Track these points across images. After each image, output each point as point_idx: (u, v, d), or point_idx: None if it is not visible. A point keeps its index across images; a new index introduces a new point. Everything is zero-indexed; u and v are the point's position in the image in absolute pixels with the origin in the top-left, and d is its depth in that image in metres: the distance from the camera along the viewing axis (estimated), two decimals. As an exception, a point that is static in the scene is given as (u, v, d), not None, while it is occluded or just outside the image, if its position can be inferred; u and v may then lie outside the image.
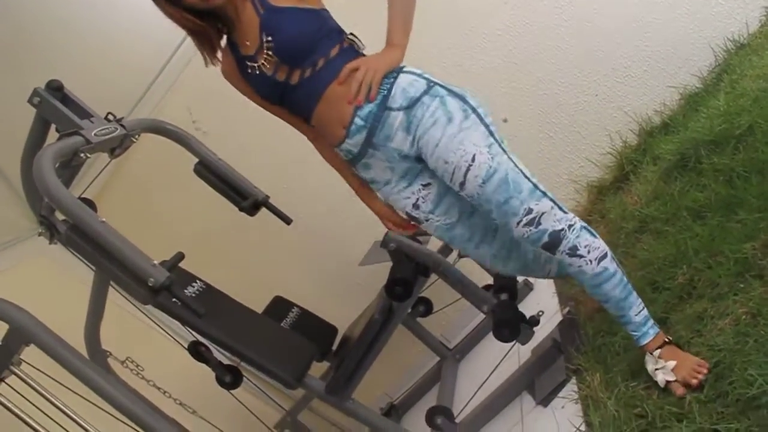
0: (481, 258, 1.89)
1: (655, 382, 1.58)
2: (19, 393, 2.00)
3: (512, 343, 2.31)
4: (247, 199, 2.24)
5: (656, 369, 1.59)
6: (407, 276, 1.99)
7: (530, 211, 1.62)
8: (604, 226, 2.74)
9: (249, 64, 1.70)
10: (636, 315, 1.66)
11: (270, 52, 1.66)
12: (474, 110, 1.65)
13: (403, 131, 1.67)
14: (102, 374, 1.94)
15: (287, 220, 2.31)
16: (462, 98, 1.66)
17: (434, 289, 2.83)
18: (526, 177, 1.64)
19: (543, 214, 1.63)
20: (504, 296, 2.18)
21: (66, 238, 2.08)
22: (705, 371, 1.50)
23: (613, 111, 3.18)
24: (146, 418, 1.90)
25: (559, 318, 2.29)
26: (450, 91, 1.66)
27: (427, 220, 1.78)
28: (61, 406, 1.97)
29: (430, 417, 2.18)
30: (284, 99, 1.74)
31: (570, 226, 1.65)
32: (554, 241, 1.64)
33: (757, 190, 1.91)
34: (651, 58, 3.12)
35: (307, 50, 1.65)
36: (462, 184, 1.64)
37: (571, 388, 1.90)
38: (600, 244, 1.67)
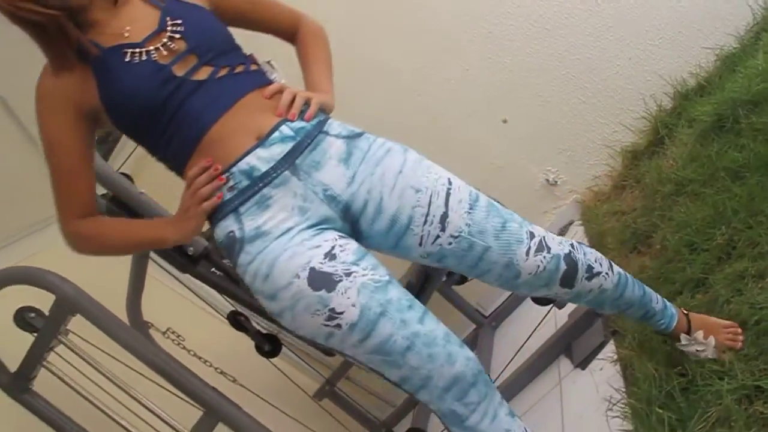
0: (429, 339, 1.21)
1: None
2: (67, 362, 2.07)
3: (549, 308, 2.31)
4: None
5: (698, 350, 1.51)
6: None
7: (532, 234, 1.33)
8: (639, 191, 2.72)
9: (129, 50, 1.27)
10: (656, 303, 1.53)
11: (177, 35, 1.29)
12: None
13: (340, 163, 1.27)
14: (145, 342, 1.99)
15: None
16: None
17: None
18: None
19: (544, 237, 1.35)
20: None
21: (107, 209, 2.13)
22: (739, 331, 1.47)
23: (647, 74, 3.12)
24: (188, 383, 1.94)
25: (595, 282, 2.27)
26: None
27: (347, 275, 1.18)
28: (108, 374, 2.04)
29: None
30: (169, 105, 1.27)
31: (572, 245, 1.40)
32: (571, 267, 1.36)
33: (798, 148, 1.88)
34: (685, 18, 3.06)
35: (226, 47, 1.35)
36: (444, 218, 1.27)
37: (609, 350, 1.90)
38: (598, 252, 1.47)
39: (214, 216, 1.28)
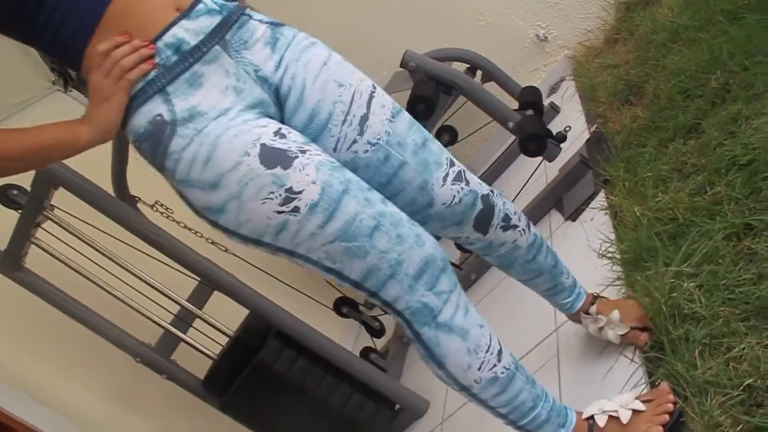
0: (395, 219, 1.12)
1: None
2: (56, 237, 2.06)
3: (539, 163, 2.29)
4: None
5: (601, 328, 1.40)
6: (429, 93, 1.93)
7: (453, 163, 1.24)
8: (633, 43, 2.63)
9: None
10: (566, 279, 1.42)
11: None
12: None
13: (266, 46, 1.15)
14: (131, 210, 1.97)
15: None
16: None
17: (458, 118, 2.79)
18: None
19: (464, 170, 1.27)
20: (529, 112, 2.12)
21: (78, 81, 2.05)
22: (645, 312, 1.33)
23: None
24: (182, 253, 1.94)
25: (586, 137, 2.24)
26: None
27: (302, 152, 1.07)
28: (98, 247, 2.03)
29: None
30: None
31: (491, 190, 1.31)
32: (488, 208, 1.27)
33: (800, -17, 1.79)
34: None
35: None
36: (364, 120, 1.16)
37: (599, 201, 1.89)
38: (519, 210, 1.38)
39: (132, 104, 1.07)
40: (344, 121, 1.16)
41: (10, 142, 1.05)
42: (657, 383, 1.20)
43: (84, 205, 1.91)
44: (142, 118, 1.07)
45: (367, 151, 1.18)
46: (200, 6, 1.12)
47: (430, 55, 2.33)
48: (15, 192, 1.97)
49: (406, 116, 1.23)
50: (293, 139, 1.09)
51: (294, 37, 1.18)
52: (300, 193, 1.04)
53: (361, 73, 1.22)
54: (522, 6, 3.00)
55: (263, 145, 1.04)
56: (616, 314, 1.36)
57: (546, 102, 2.64)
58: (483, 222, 1.29)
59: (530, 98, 2.21)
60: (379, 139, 1.18)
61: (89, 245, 2.04)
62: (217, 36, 1.10)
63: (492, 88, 2.59)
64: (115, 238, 2.10)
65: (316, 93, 1.15)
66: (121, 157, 2.39)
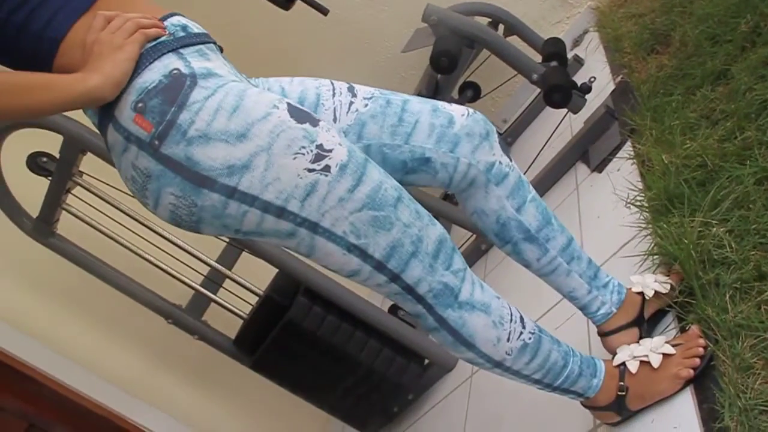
0: (410, 194, 1.12)
1: None
2: (86, 203, 2.09)
3: (564, 115, 2.27)
4: (279, -9, 2.14)
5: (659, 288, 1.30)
6: (451, 47, 1.91)
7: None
8: (658, -9, 2.57)
9: None
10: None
11: None
12: None
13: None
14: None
15: (324, 11, 2.21)
16: None
17: (480, 73, 2.76)
18: None
19: None
20: (554, 64, 2.10)
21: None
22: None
23: None
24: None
25: (612, 88, 2.21)
26: None
27: (320, 120, 1.03)
28: (128, 211, 2.06)
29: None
30: None
31: None
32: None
33: None
34: None
35: None
36: (351, 88, 1.20)
37: (626, 151, 1.87)
38: None
39: (141, 61, 0.99)
40: (334, 94, 1.17)
41: (7, 80, 0.93)
42: (687, 328, 1.20)
43: (111, 171, 1.94)
44: (153, 74, 0.98)
45: (366, 104, 1.17)
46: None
47: (452, 9, 2.30)
48: (45, 159, 2.00)
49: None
50: (310, 110, 1.10)
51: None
52: (330, 151, 0.99)
53: None
54: (544, -43, 2.94)
55: (289, 104, 1.01)
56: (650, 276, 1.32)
57: (569, 55, 2.59)
58: (503, 145, 1.28)
59: (554, 49, 2.17)
60: (373, 93, 1.19)
61: (119, 210, 2.07)
62: (212, 39, 1.10)
63: (514, 42, 2.56)
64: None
65: (296, 88, 1.16)
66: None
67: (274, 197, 0.98)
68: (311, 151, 0.98)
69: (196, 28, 1.08)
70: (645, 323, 1.32)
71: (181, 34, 1.04)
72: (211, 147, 0.96)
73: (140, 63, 0.98)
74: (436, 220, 1.12)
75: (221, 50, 1.14)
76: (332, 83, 1.19)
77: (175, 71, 0.98)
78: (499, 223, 1.28)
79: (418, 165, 1.19)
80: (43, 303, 2.49)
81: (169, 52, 1.00)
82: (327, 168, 0.98)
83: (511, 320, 1.15)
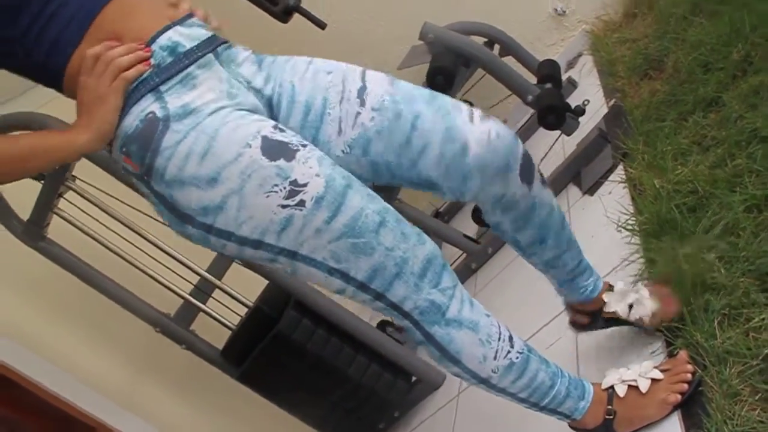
0: (398, 215, 1.10)
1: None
2: (78, 207, 2.08)
3: (557, 137, 2.29)
4: (277, 5, 2.16)
5: (630, 305, 1.31)
6: (448, 65, 1.93)
7: (472, 104, 1.17)
8: (652, 17, 2.61)
9: None
10: (586, 259, 1.37)
11: None
12: None
13: (253, 64, 1.16)
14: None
15: (321, 25, 2.23)
16: None
17: (475, 92, 2.78)
18: None
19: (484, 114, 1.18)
20: (548, 86, 2.12)
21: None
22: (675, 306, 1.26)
23: None
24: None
25: (605, 111, 2.23)
26: None
27: (303, 146, 1.04)
28: (119, 217, 2.06)
29: (476, 214, 2.21)
30: None
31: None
32: (527, 153, 1.19)
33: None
34: None
35: None
36: (362, 91, 1.11)
37: (618, 174, 1.89)
38: None
39: (124, 106, 1.03)
40: (342, 99, 1.11)
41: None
42: (675, 353, 1.21)
43: (102, 176, 1.93)
44: (132, 118, 1.02)
45: (373, 118, 1.11)
46: (193, 19, 1.12)
47: (449, 28, 2.32)
48: (37, 163, 1.99)
49: (406, 82, 1.16)
50: (292, 134, 1.06)
51: (275, 58, 1.18)
52: (305, 185, 1.00)
53: (349, 65, 1.18)
54: (540, -21, 2.98)
55: (264, 137, 1.01)
56: (644, 291, 1.30)
57: (563, 77, 2.62)
58: (528, 169, 1.17)
59: (549, 71, 2.20)
60: (383, 101, 1.10)
61: (110, 215, 2.06)
62: (210, 45, 1.09)
63: (509, 62, 2.58)
64: (133, 208, 2.13)
65: (306, 86, 1.13)
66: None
67: (249, 233, 1.02)
68: (284, 188, 0.99)
69: (189, 41, 1.07)
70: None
71: (168, 60, 1.05)
72: (186, 190, 1.01)
73: (123, 108, 1.03)
74: (426, 238, 1.11)
75: (226, 45, 1.14)
76: (343, 83, 1.13)
77: (150, 115, 1.01)
78: (497, 230, 1.30)
79: (426, 186, 1.17)
80: (27, 306, 2.47)
81: (148, 92, 1.03)
82: (302, 202, 1.00)
83: (499, 339, 1.15)
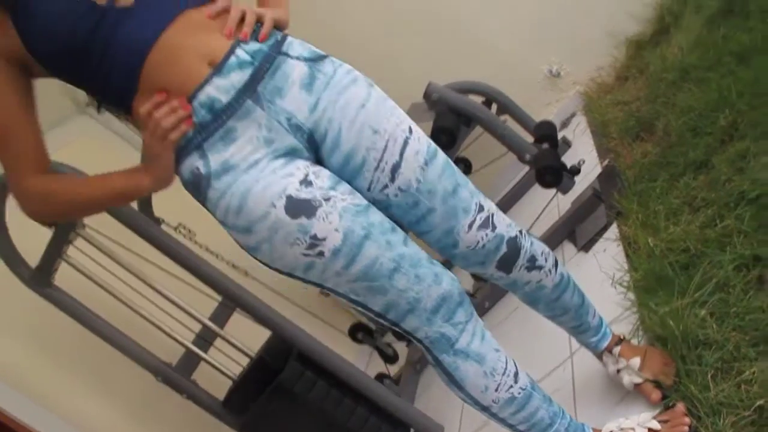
0: (415, 259, 1.20)
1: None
2: (86, 254, 2.13)
3: (552, 195, 2.36)
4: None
5: (618, 370, 1.41)
6: (451, 125, 2.01)
7: (482, 207, 1.27)
8: (643, 81, 2.71)
9: None
10: (592, 319, 1.45)
11: None
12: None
13: (302, 89, 1.18)
14: (161, 231, 2.04)
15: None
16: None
17: (472, 150, 2.87)
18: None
19: (493, 214, 1.29)
20: (545, 146, 2.20)
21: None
22: (673, 365, 1.33)
23: (654, -39, 3.05)
24: (207, 270, 2.01)
25: (598, 171, 2.32)
26: None
27: (327, 200, 1.14)
28: (126, 266, 2.10)
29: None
30: (97, 36, 1.15)
31: (520, 231, 1.34)
32: (513, 251, 1.30)
33: (806, 27, 1.88)
34: None
35: None
36: (396, 169, 1.20)
37: (612, 232, 1.95)
38: (548, 248, 1.40)
39: (177, 156, 1.18)
40: (377, 168, 1.20)
41: (82, 191, 1.24)
42: (671, 404, 1.26)
43: (107, 223, 1.98)
44: (185, 169, 1.19)
45: (397, 195, 1.22)
46: (232, 60, 1.16)
47: (448, 86, 2.42)
48: (49, 211, 2.04)
49: (440, 161, 1.24)
50: (319, 186, 1.15)
51: (334, 74, 1.21)
52: (324, 239, 1.14)
53: (399, 112, 1.24)
54: (536, 43, 3.11)
55: (289, 197, 1.13)
56: (636, 361, 1.37)
57: (558, 136, 2.71)
58: (507, 263, 1.32)
59: (546, 132, 2.29)
60: (409, 187, 1.22)
61: (117, 262, 2.11)
62: (248, 91, 1.15)
63: (506, 120, 2.68)
64: (139, 255, 2.17)
65: (352, 138, 1.19)
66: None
67: (281, 267, 1.20)
68: (305, 241, 1.14)
69: (226, 95, 1.15)
70: None
71: (207, 117, 1.15)
72: (230, 231, 1.20)
73: (177, 159, 1.19)
74: (444, 278, 1.22)
75: (273, 67, 1.18)
76: (384, 150, 1.20)
77: (196, 170, 1.17)
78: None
79: None
80: (27, 350, 2.48)
81: (194, 150, 1.17)
82: (321, 253, 1.15)
83: (504, 373, 1.25)
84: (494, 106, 2.77)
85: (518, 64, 3.13)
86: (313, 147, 1.20)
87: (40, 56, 1.18)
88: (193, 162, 1.17)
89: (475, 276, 2.29)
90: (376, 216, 1.18)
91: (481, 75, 2.85)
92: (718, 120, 1.91)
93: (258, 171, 1.15)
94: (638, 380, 1.36)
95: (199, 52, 1.15)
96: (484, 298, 2.39)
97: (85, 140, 3.04)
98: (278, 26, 1.24)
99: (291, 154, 1.18)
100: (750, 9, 2.21)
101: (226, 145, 1.16)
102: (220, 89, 1.14)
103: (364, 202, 1.19)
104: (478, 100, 2.70)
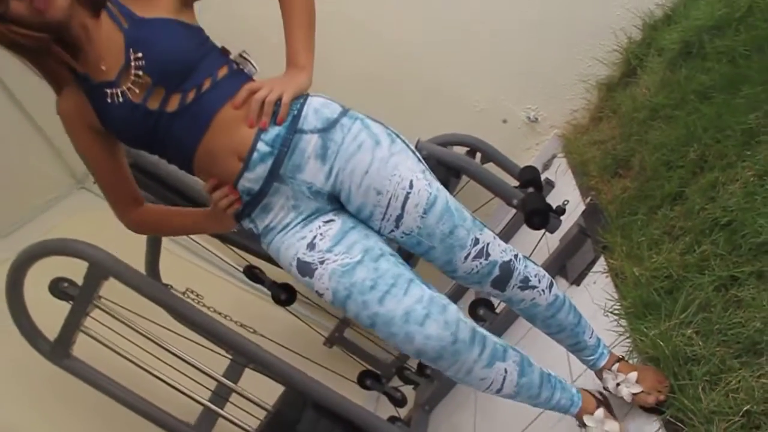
0: (387, 319, 1.37)
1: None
2: (103, 324, 2.21)
3: (541, 235, 2.49)
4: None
5: (618, 384, 1.54)
6: (441, 178, 2.14)
7: (477, 241, 1.45)
8: (616, 120, 2.87)
9: (109, 91, 1.39)
10: (590, 338, 1.61)
11: (141, 72, 1.36)
12: (398, 135, 1.47)
13: (317, 159, 1.41)
14: (175, 296, 2.14)
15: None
16: (382, 123, 1.48)
17: (461, 197, 3.00)
18: (462, 206, 1.49)
19: (489, 244, 1.47)
20: (530, 190, 2.34)
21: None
22: (666, 383, 1.45)
23: (616, 9, 3.24)
24: (220, 330, 2.10)
25: (582, 208, 2.45)
26: (368, 117, 1.47)
27: (321, 263, 1.40)
28: (143, 332, 2.19)
29: (473, 309, 2.38)
30: (157, 136, 1.43)
31: (515, 256, 1.52)
32: (505, 273, 1.48)
33: (758, 65, 2.04)
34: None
35: (188, 67, 1.38)
36: (399, 219, 1.41)
37: (600, 265, 2.08)
38: (544, 271, 1.58)
39: (237, 216, 1.52)
40: (383, 218, 1.44)
41: (170, 225, 1.68)
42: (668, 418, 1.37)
43: (120, 292, 2.07)
44: (245, 226, 1.53)
45: (402, 237, 1.46)
46: (255, 156, 1.41)
47: (434, 141, 2.57)
48: (66, 284, 2.13)
49: (439, 208, 1.41)
50: (319, 249, 1.42)
51: (342, 142, 1.41)
52: (322, 294, 1.43)
53: (402, 169, 1.40)
54: (512, 92, 3.29)
55: (298, 260, 1.43)
56: (633, 375, 1.51)
57: (541, 178, 2.86)
58: (500, 283, 1.50)
59: (530, 176, 2.44)
60: (411, 231, 1.44)
61: (133, 329, 2.19)
62: (273, 176, 1.42)
63: (490, 167, 2.83)
64: (152, 321, 2.26)
65: (359, 198, 1.43)
66: (154, 249, 2.59)
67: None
68: (314, 290, 1.45)
69: (257, 183, 1.44)
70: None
71: (248, 199, 1.47)
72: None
73: (237, 219, 1.52)
74: (417, 336, 1.37)
75: (291, 149, 1.42)
76: (387, 207, 1.42)
77: (250, 229, 1.52)
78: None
79: None
80: (44, 417, 2.51)
81: (245, 217, 1.50)
82: (324, 297, 1.45)
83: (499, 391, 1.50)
84: (478, 155, 2.92)
85: (497, 112, 3.30)
86: (336, 199, 1.47)
87: (117, 137, 1.50)
88: (248, 224, 1.52)
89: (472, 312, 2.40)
90: (361, 274, 1.38)
91: (462, 127, 3.02)
92: (689, 154, 2.05)
93: (284, 233, 1.47)
94: (636, 390, 1.49)
95: (230, 149, 1.42)
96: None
97: (85, 213, 3.15)
98: (299, 95, 1.46)
99: (314, 213, 1.46)
100: (706, 51, 2.38)
101: (266, 214, 1.48)
102: (251, 181, 1.43)
103: (355, 259, 1.39)
104: (462, 151, 2.86)
